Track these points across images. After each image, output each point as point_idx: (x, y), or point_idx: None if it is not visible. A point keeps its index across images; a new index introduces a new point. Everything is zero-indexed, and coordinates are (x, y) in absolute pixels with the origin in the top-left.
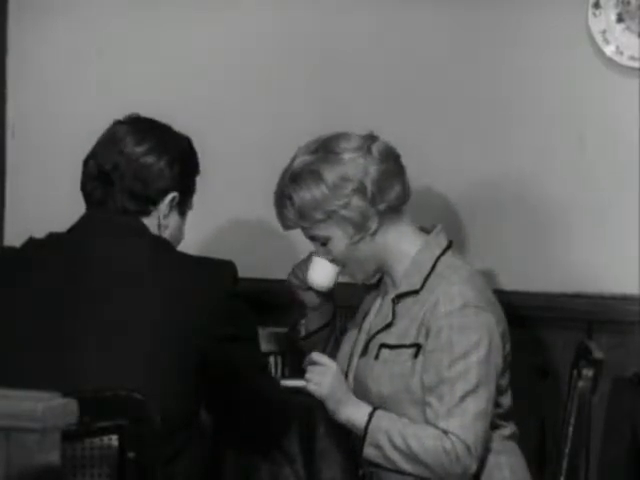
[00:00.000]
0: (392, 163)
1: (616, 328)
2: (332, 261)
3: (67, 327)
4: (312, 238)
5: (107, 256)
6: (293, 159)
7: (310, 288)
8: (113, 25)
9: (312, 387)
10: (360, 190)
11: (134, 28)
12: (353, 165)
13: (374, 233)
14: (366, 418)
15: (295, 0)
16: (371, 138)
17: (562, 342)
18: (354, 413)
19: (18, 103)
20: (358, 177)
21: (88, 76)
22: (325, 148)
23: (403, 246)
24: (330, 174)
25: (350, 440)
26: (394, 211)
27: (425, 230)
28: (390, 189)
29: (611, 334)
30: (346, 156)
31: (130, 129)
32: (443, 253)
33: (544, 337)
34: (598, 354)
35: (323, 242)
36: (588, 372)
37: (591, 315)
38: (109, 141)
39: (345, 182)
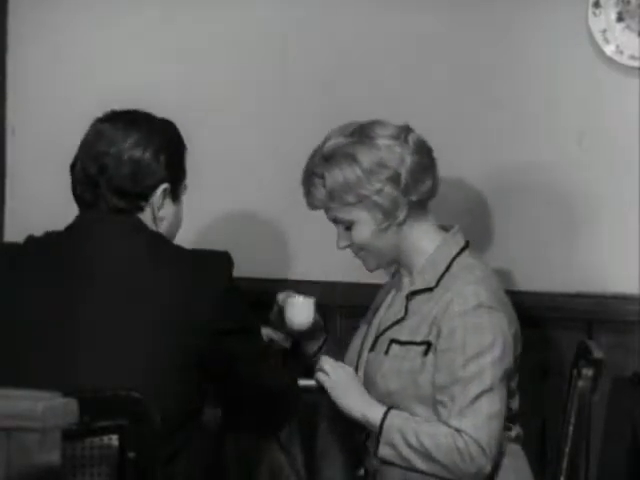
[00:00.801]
0: (426, 156)
1: (616, 328)
2: (350, 246)
3: (66, 327)
4: (336, 221)
5: (105, 256)
6: (325, 140)
7: (294, 332)
8: (114, 25)
9: (323, 378)
10: (394, 178)
11: (135, 29)
12: (389, 152)
13: (401, 223)
14: (380, 417)
15: None
16: (407, 129)
17: (562, 342)
18: (368, 411)
19: (18, 103)
20: (394, 165)
21: (88, 76)
22: (361, 132)
23: (423, 242)
24: (366, 158)
25: (352, 440)
26: (421, 205)
27: (444, 229)
28: (422, 182)
29: (611, 334)
30: (382, 142)
31: (111, 126)
32: (460, 253)
33: (544, 337)
34: (598, 354)
35: (347, 226)
36: (588, 372)
37: (591, 315)
38: (92, 141)
39: (381, 168)
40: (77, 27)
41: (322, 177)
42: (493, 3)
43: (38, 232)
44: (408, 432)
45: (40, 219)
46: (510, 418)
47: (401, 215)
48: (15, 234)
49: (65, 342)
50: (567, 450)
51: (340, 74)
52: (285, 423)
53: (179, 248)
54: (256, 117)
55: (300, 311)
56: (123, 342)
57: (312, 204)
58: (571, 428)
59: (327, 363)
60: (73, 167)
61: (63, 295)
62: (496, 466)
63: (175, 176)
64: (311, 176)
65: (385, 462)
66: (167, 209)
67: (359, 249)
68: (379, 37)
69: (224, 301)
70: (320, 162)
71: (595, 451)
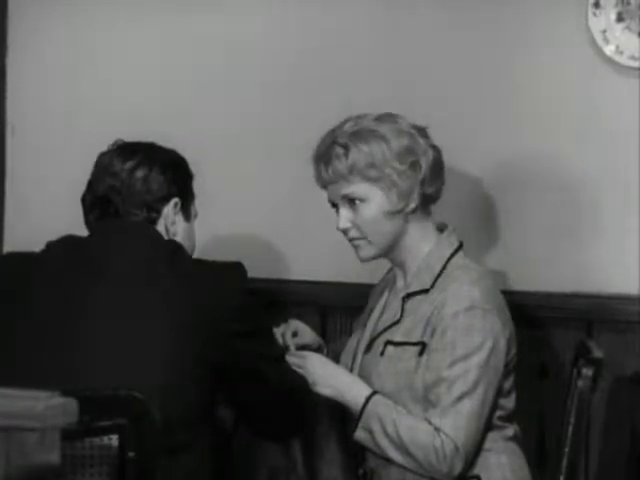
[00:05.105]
0: (441, 156)
1: (616, 328)
2: (350, 229)
3: (82, 328)
4: (345, 197)
5: (123, 257)
6: (344, 122)
7: None
8: (114, 25)
9: (304, 372)
10: (416, 167)
11: (135, 28)
12: (415, 141)
13: (408, 214)
14: (362, 401)
15: (298, 4)
16: (423, 128)
17: (562, 341)
18: (350, 393)
19: (18, 102)
20: (419, 153)
21: (88, 76)
22: (387, 118)
23: (420, 242)
24: (395, 140)
25: (352, 440)
26: (429, 203)
27: (439, 229)
28: (436, 178)
29: (611, 333)
30: (408, 130)
31: (114, 153)
32: (454, 253)
33: (544, 336)
34: (598, 353)
35: (358, 199)
36: (588, 371)
37: (591, 314)
38: (98, 172)
39: (407, 153)
40: (77, 27)
41: (346, 148)
42: (493, 3)
43: (38, 230)
44: (387, 421)
45: (40, 219)
46: (506, 417)
47: (412, 204)
48: (15, 234)
49: (81, 343)
50: (567, 450)
51: (345, 81)
52: (298, 427)
53: (196, 258)
54: (256, 130)
55: None
56: (140, 343)
57: (327, 177)
58: (570, 428)
59: (297, 356)
60: (83, 200)
61: (81, 295)
62: (493, 464)
63: (184, 192)
64: (332, 146)
65: (379, 457)
66: (179, 226)
67: (358, 232)
68: (379, 38)
69: (239, 305)
70: (345, 135)
71: (595, 451)
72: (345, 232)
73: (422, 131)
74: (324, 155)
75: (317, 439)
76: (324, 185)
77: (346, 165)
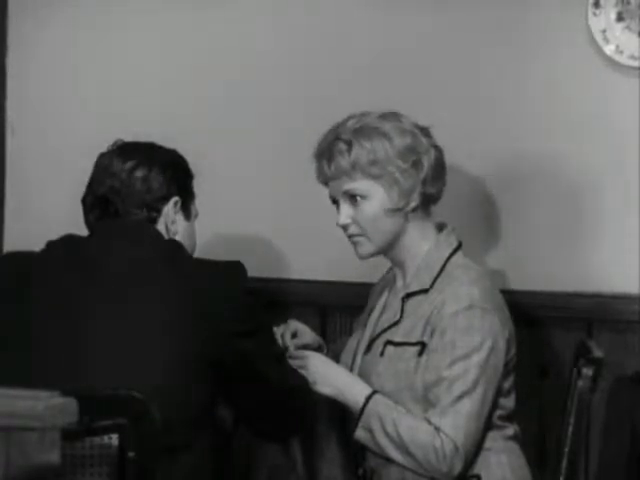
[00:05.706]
0: (442, 156)
1: (616, 328)
2: (350, 225)
3: (82, 327)
4: (346, 193)
5: (123, 257)
6: (347, 119)
7: None
8: (114, 25)
9: (304, 371)
10: (418, 165)
11: (136, 28)
12: (417, 140)
13: (411, 211)
14: (363, 400)
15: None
16: (425, 128)
17: (562, 341)
18: (351, 392)
19: (18, 102)
20: (421, 152)
21: (88, 76)
22: (390, 116)
23: (420, 240)
24: (398, 139)
25: (351, 440)
26: (430, 202)
27: (438, 228)
28: (438, 179)
29: (611, 333)
30: (411, 129)
31: (114, 154)
32: (453, 253)
33: (544, 336)
34: (598, 353)
35: (356, 200)
36: (588, 371)
37: (591, 314)
38: (97, 172)
39: (410, 152)
40: (77, 27)
41: (349, 144)
42: (493, 3)
43: (39, 230)
44: (387, 421)
45: (40, 219)
46: (506, 417)
47: (413, 203)
48: (15, 234)
49: (81, 342)
50: (566, 450)
51: (340, 84)
52: (298, 427)
53: (195, 257)
54: (256, 130)
55: None
56: (140, 342)
57: (329, 173)
58: (571, 428)
59: (298, 356)
60: (84, 200)
61: (80, 296)
62: (493, 463)
63: (185, 191)
64: (335, 142)
65: (378, 457)
66: (179, 225)
67: (358, 229)
68: (380, 38)
69: (239, 305)
70: (348, 131)
71: (595, 451)
72: (345, 228)
73: (425, 130)
74: (326, 151)
75: (317, 439)
76: (325, 181)
77: (349, 161)
